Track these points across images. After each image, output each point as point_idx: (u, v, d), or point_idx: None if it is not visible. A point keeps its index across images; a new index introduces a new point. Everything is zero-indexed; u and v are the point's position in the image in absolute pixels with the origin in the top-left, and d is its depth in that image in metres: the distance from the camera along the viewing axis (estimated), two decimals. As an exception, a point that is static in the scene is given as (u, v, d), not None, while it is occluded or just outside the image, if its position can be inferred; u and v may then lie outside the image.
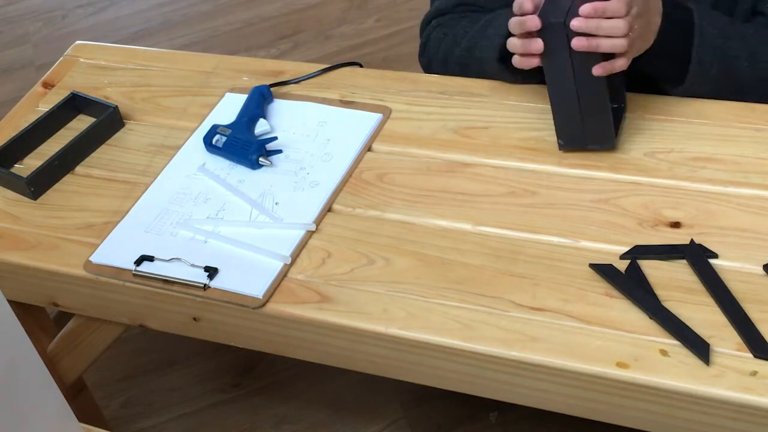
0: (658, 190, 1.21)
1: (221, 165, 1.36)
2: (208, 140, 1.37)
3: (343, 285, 1.17)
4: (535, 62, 1.18)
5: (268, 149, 1.35)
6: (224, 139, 1.35)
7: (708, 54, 1.24)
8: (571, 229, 1.18)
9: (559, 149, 1.27)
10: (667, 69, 1.27)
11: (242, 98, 1.45)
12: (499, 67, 1.33)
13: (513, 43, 1.20)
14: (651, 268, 1.12)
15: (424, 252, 1.19)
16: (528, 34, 1.17)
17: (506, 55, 1.26)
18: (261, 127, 1.38)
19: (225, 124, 1.38)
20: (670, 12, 1.22)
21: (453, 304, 1.12)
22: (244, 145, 1.34)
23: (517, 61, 1.20)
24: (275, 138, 1.37)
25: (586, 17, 1.13)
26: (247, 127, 1.37)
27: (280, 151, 1.36)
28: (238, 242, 1.23)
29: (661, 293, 1.08)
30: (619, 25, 1.13)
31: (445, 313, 1.11)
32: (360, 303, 1.14)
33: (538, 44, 1.16)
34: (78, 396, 1.56)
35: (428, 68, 1.50)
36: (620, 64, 1.16)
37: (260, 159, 1.33)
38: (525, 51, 1.18)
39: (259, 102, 1.41)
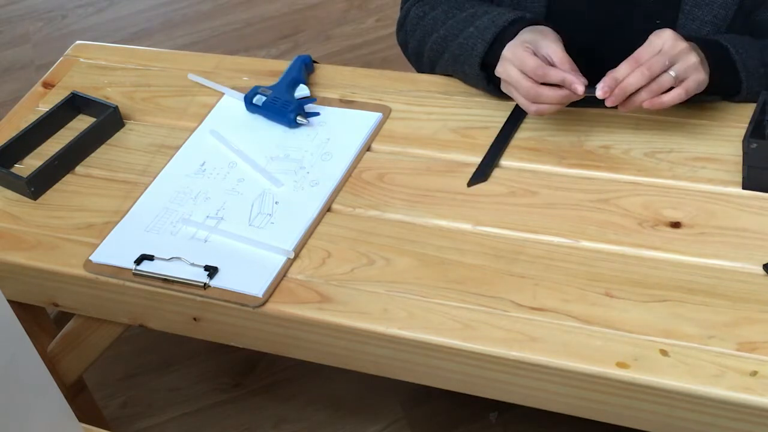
0: (658, 190, 1.21)
1: (223, 163, 1.36)
2: (248, 99, 1.42)
3: (343, 285, 1.17)
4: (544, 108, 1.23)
5: (306, 110, 1.40)
6: (264, 98, 1.41)
7: (755, 85, 1.25)
8: (571, 229, 1.18)
9: None
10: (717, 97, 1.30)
11: (241, 98, 1.46)
12: (480, 74, 1.33)
13: (525, 89, 1.22)
14: (650, 267, 1.12)
15: (424, 252, 1.19)
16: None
17: (488, 64, 1.29)
18: (301, 91, 1.43)
19: (266, 86, 1.43)
20: (709, 54, 1.22)
21: (453, 304, 1.12)
22: (283, 104, 1.40)
23: (532, 110, 1.24)
24: (314, 99, 1.43)
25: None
26: (287, 89, 1.42)
27: (317, 114, 1.41)
28: (239, 237, 1.23)
29: (661, 293, 1.08)
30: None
31: (445, 313, 1.11)
32: (360, 303, 1.14)
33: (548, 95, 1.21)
34: (78, 396, 1.56)
35: (404, 46, 1.48)
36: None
37: (298, 118, 1.38)
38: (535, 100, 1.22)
39: (300, 69, 1.46)
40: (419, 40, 1.42)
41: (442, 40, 1.37)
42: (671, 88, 1.17)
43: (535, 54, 1.21)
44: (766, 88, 1.24)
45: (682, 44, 1.17)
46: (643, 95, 1.17)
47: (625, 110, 1.20)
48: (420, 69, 1.49)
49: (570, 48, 1.23)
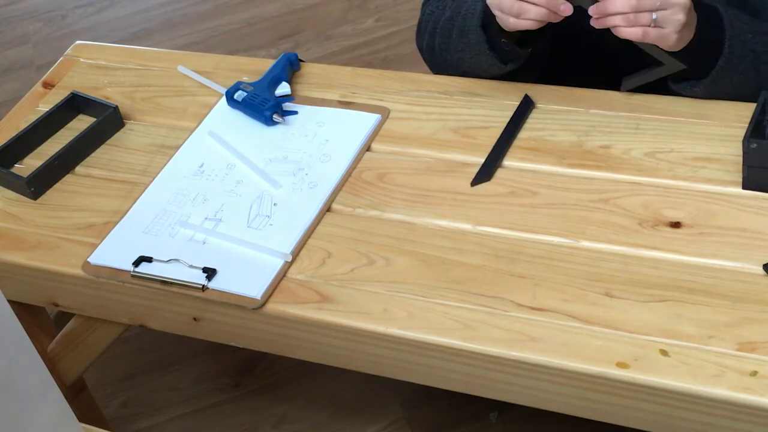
0: (658, 190, 1.21)
1: (222, 165, 1.36)
2: (230, 95, 1.44)
3: (343, 285, 1.17)
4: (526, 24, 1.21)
5: (284, 109, 1.42)
6: (245, 94, 1.43)
7: (738, 47, 1.23)
8: (571, 229, 1.18)
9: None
10: (696, 63, 1.26)
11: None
12: (480, 33, 1.32)
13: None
14: (650, 267, 1.12)
15: (424, 252, 1.19)
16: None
17: (487, 22, 1.29)
18: (282, 89, 1.44)
19: (249, 82, 1.45)
20: (697, 10, 1.21)
21: (453, 304, 1.12)
22: (262, 101, 1.41)
23: (511, 23, 1.22)
24: (292, 98, 1.45)
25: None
26: (269, 87, 1.44)
27: (295, 112, 1.42)
28: (238, 240, 1.23)
29: (661, 293, 1.08)
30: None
31: (445, 313, 1.11)
32: (360, 303, 1.14)
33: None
34: (78, 396, 1.56)
35: (421, 49, 1.49)
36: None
37: (274, 116, 1.40)
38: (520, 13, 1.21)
39: (284, 66, 1.48)
40: (431, 32, 1.44)
41: (449, 21, 1.39)
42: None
43: None
44: (749, 55, 1.23)
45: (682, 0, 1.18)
46: (618, 20, 1.19)
47: (596, 25, 1.20)
48: (435, 66, 1.48)
49: (577, 38, 1.25)
